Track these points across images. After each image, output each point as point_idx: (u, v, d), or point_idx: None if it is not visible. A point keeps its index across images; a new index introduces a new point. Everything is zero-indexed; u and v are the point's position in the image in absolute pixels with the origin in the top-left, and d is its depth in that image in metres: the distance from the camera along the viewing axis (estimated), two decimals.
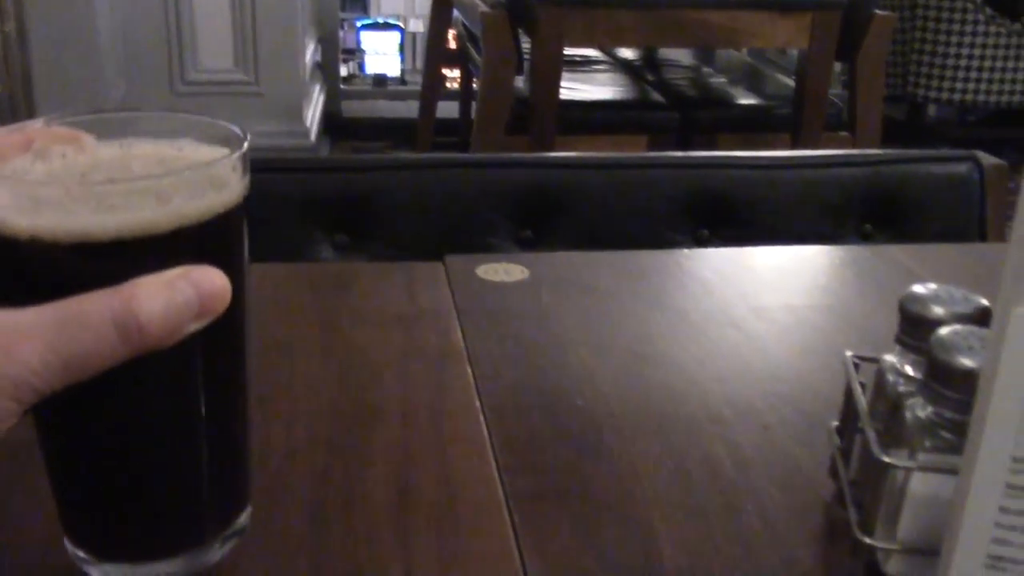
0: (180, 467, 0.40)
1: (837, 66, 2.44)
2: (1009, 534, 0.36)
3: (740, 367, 0.65)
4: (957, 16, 3.45)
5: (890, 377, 0.46)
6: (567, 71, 2.42)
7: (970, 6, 3.44)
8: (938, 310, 0.45)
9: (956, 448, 0.39)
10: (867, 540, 0.43)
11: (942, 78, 3.53)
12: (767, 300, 0.74)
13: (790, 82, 2.59)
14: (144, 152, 0.39)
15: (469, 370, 0.62)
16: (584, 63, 2.96)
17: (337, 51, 4.11)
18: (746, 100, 2.64)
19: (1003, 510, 0.36)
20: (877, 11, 2.30)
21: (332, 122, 3.94)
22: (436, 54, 3.42)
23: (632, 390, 0.61)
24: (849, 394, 0.49)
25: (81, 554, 0.41)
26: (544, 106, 2.24)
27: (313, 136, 3.45)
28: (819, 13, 2.25)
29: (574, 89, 2.60)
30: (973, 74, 3.50)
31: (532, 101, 2.26)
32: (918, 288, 0.47)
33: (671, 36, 2.46)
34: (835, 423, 0.52)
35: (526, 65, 2.33)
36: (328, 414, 0.57)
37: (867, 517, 0.45)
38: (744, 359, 0.66)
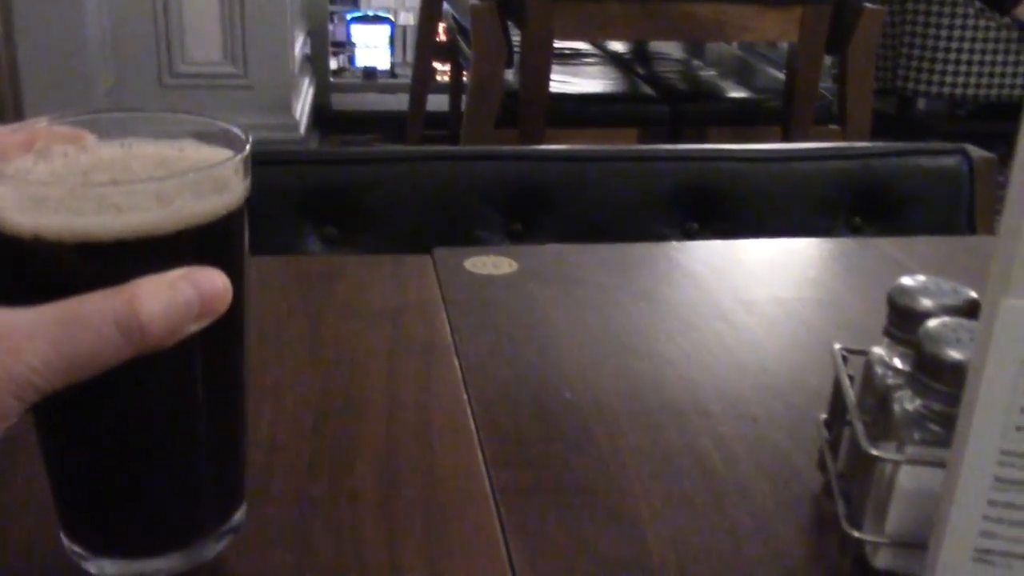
0: (178, 464, 0.40)
1: (827, 59, 2.44)
2: (997, 527, 0.36)
3: (729, 360, 0.64)
4: (947, 10, 3.45)
5: (878, 370, 0.46)
6: (557, 64, 2.41)
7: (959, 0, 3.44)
8: (926, 302, 0.45)
9: (944, 441, 0.39)
10: (855, 533, 0.43)
11: (932, 72, 3.53)
12: (756, 293, 0.74)
13: (780, 75, 2.59)
14: (145, 152, 0.40)
15: (456, 363, 0.62)
16: (574, 56, 2.96)
17: (327, 44, 4.09)
18: (736, 93, 2.64)
19: (991, 503, 0.36)
20: (867, 4, 2.30)
21: (321, 115, 3.93)
22: (426, 47, 3.41)
23: (620, 383, 0.61)
24: (837, 387, 0.49)
25: (77, 549, 0.41)
26: (534, 99, 2.24)
27: (302, 129, 3.43)
28: (809, 6, 2.25)
29: (564, 82, 2.59)
30: (963, 68, 3.51)
31: (522, 94, 2.26)
32: (907, 280, 0.47)
33: (661, 29, 2.45)
34: (823, 416, 0.51)
35: (516, 58, 2.33)
36: (314, 407, 0.57)
37: (855, 510, 0.45)
38: (733, 352, 0.65)
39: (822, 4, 2.25)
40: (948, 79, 3.53)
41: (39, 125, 0.39)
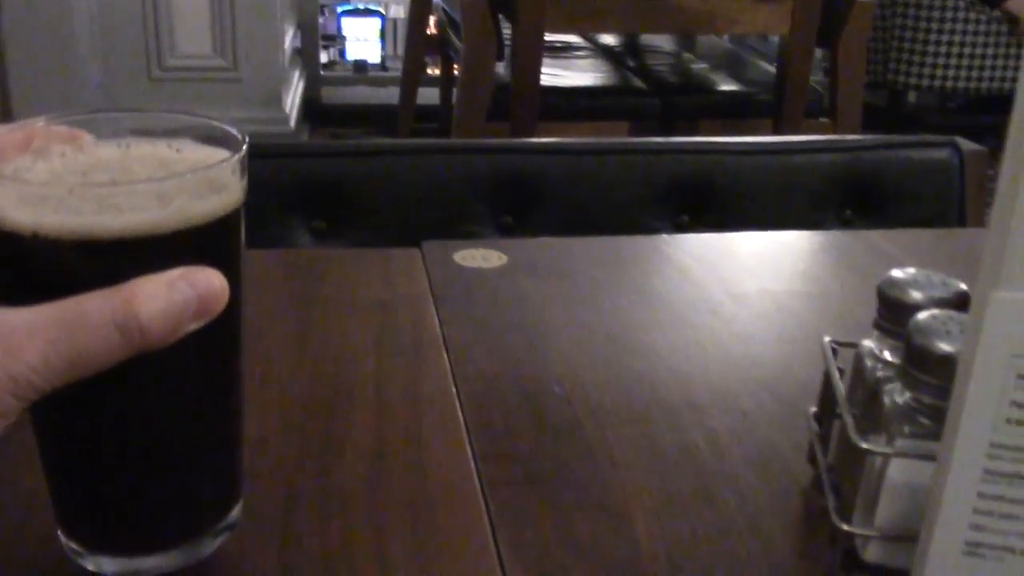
0: (176, 462, 0.41)
1: (818, 52, 2.44)
2: (987, 520, 0.36)
3: (719, 353, 0.64)
4: (937, 3, 3.45)
5: (868, 362, 0.46)
6: (548, 57, 2.41)
7: None
8: (916, 295, 0.45)
9: (934, 434, 0.39)
10: (845, 526, 0.43)
11: (922, 65, 3.53)
12: (746, 286, 0.74)
13: (771, 68, 2.59)
14: (143, 152, 0.40)
15: (445, 357, 0.62)
16: (565, 49, 2.95)
17: (317, 37, 4.08)
18: (727, 86, 2.64)
19: (981, 496, 0.36)
20: None
21: (312, 108, 3.92)
22: (417, 40, 3.40)
23: (610, 376, 0.61)
24: (827, 380, 0.49)
25: (75, 546, 0.42)
26: (525, 92, 2.23)
27: (293, 122, 3.42)
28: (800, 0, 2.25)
29: (555, 75, 2.59)
30: (953, 61, 3.51)
31: (513, 87, 2.25)
32: (897, 273, 0.47)
33: (652, 22, 2.45)
34: (813, 409, 0.51)
35: (507, 51, 2.32)
36: (302, 401, 0.57)
37: (845, 503, 0.44)
38: (723, 345, 0.65)
39: None
40: (939, 72, 3.53)
41: (37, 125, 0.40)
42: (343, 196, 1.01)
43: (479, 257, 0.76)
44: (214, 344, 0.39)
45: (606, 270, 0.76)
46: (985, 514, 0.36)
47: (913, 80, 3.59)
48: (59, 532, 0.42)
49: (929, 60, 3.53)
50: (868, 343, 0.47)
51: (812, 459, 0.50)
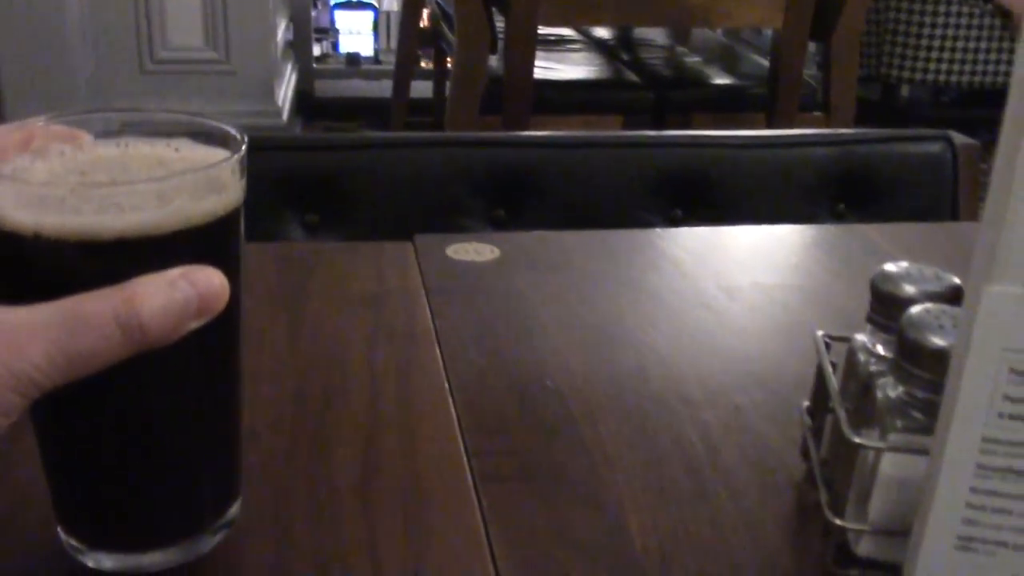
0: (175, 459, 0.41)
1: (811, 46, 2.44)
2: (979, 515, 0.36)
3: (711, 347, 0.64)
4: None
5: (861, 356, 0.46)
6: (541, 50, 2.40)
7: None
8: (909, 289, 0.45)
9: (927, 428, 0.39)
10: (837, 521, 0.43)
11: (915, 59, 3.54)
12: (739, 280, 0.74)
13: (765, 62, 2.58)
14: (142, 152, 0.40)
15: (438, 350, 0.61)
16: (558, 42, 2.95)
17: (310, 30, 4.06)
18: (721, 80, 2.64)
19: (973, 490, 0.36)
20: None
21: (305, 101, 3.91)
22: (410, 33, 3.39)
23: (602, 371, 0.60)
24: (820, 374, 0.49)
25: (74, 543, 0.42)
26: (518, 85, 2.23)
27: (285, 116, 3.41)
28: None
29: (548, 68, 2.58)
30: (946, 55, 3.52)
31: (506, 81, 2.24)
32: (890, 267, 0.47)
33: (646, 15, 2.45)
34: (806, 403, 0.51)
35: (500, 44, 2.32)
36: (294, 395, 0.56)
37: (838, 498, 0.44)
38: (716, 339, 0.65)
39: None
40: (932, 66, 3.54)
41: (37, 124, 0.40)
42: (336, 189, 1.00)
43: (472, 250, 0.76)
44: (214, 343, 0.40)
45: (599, 263, 0.76)
46: (978, 508, 0.36)
47: (906, 74, 3.59)
48: (58, 528, 0.42)
49: (922, 54, 3.54)
50: (861, 337, 0.47)
51: (805, 453, 0.50)
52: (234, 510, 0.44)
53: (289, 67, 3.76)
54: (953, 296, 0.44)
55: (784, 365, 0.62)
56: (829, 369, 0.48)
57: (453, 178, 1.03)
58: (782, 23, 2.29)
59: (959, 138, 1.10)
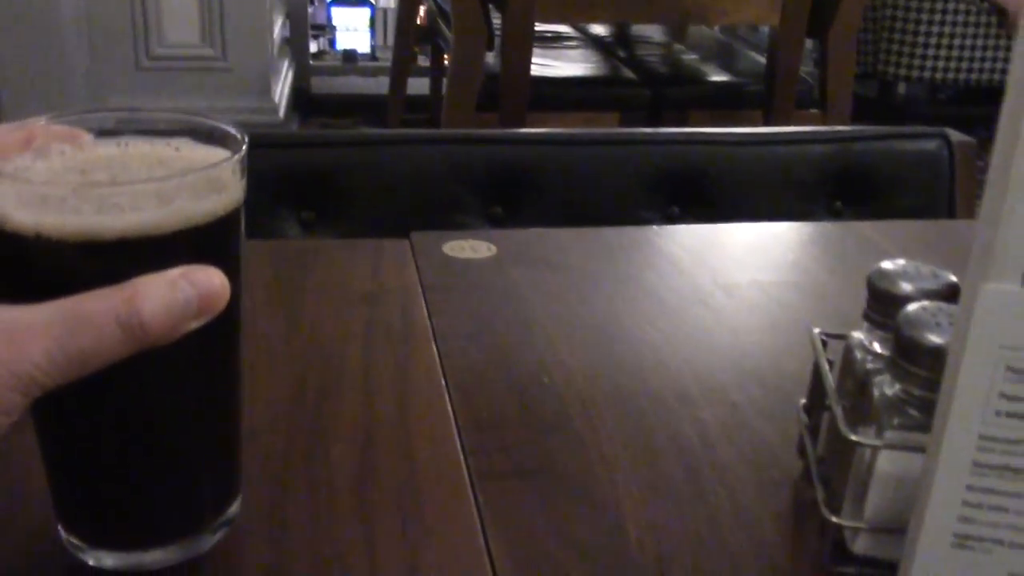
0: (175, 457, 0.41)
1: (808, 44, 2.44)
2: (976, 512, 0.36)
3: (708, 345, 0.64)
4: None
5: (858, 354, 0.46)
6: (538, 47, 2.40)
7: None
8: (906, 286, 0.45)
9: (924, 426, 0.39)
10: (834, 519, 0.43)
11: (912, 56, 3.54)
12: (736, 277, 0.74)
13: (761, 59, 2.58)
14: (142, 152, 0.41)
15: (434, 348, 0.61)
16: (555, 39, 2.95)
17: (306, 26, 4.06)
18: (717, 77, 2.63)
19: (970, 488, 0.36)
20: None
21: (301, 98, 3.90)
22: (407, 30, 3.38)
23: (599, 368, 0.60)
24: (817, 371, 0.49)
25: (75, 541, 0.42)
26: (515, 82, 2.23)
27: (282, 112, 3.41)
28: None
29: (545, 65, 2.58)
30: (943, 52, 3.52)
31: (503, 78, 2.24)
32: (886, 264, 0.47)
33: (643, 12, 2.45)
34: (803, 401, 0.51)
35: (497, 41, 2.31)
36: (290, 392, 0.56)
37: (834, 495, 0.44)
38: (712, 336, 0.65)
39: None
40: (928, 63, 3.54)
41: (37, 124, 0.40)
42: (332, 186, 1.00)
43: (468, 248, 0.76)
44: (214, 342, 0.40)
45: (596, 261, 0.76)
46: (974, 506, 0.36)
47: (903, 71, 3.59)
48: (59, 526, 0.42)
49: (919, 51, 3.54)
50: (857, 335, 0.47)
51: (801, 451, 0.50)
52: (234, 508, 0.44)
53: (285, 64, 3.76)
54: (950, 294, 0.44)
55: (781, 362, 0.62)
56: (826, 367, 0.48)
57: (450, 175, 1.03)
58: (779, 20, 2.29)
59: (956, 135, 1.10)
